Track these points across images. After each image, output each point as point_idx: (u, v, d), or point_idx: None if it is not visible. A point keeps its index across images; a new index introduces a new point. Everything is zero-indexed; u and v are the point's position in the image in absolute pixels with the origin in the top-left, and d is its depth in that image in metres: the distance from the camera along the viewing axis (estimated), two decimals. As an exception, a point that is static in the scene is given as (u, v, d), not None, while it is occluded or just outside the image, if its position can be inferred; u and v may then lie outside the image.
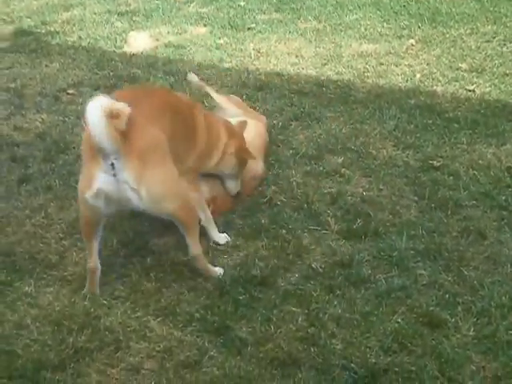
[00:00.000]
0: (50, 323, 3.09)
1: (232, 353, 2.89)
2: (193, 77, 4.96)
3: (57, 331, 3.04)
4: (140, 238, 3.75)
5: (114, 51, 7.24)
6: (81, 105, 5.67)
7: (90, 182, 3.02)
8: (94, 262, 3.30)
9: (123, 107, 2.91)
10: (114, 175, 2.97)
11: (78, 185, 3.19)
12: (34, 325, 3.08)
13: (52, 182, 4.37)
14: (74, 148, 4.87)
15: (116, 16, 8.64)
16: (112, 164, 2.95)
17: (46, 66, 6.79)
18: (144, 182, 3.01)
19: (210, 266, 3.41)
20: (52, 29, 8.17)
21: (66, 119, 5.40)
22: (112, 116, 2.85)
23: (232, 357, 2.86)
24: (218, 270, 3.41)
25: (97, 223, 3.23)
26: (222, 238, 3.70)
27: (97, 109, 2.83)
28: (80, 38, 7.77)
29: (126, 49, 7.31)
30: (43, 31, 8.09)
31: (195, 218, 3.42)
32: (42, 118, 5.44)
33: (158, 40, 7.60)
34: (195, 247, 3.35)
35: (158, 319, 3.11)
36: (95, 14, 8.76)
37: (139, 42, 7.44)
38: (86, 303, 3.22)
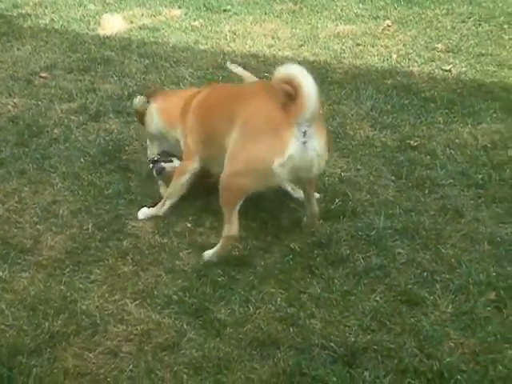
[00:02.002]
0: (25, 308, 3.04)
1: (211, 334, 2.86)
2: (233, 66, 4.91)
3: (32, 316, 2.98)
4: (116, 221, 3.69)
5: (88, 34, 7.14)
6: (54, 88, 5.60)
7: (280, 150, 3.07)
8: (236, 229, 3.30)
9: None
10: (304, 142, 3.06)
11: (252, 156, 3.16)
12: (8, 310, 3.02)
13: (25, 166, 4.29)
14: (47, 131, 4.80)
15: (89, -2, 8.52)
16: (304, 131, 3.04)
17: (18, 49, 6.68)
18: (325, 149, 3.20)
19: None
20: (23, 11, 8.05)
21: (39, 103, 5.31)
22: None
23: (211, 338, 2.84)
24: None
25: (247, 194, 3.28)
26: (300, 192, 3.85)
27: (310, 74, 3.00)
28: (52, 20, 7.65)
29: (100, 31, 7.21)
30: (15, 14, 7.97)
31: None
32: (15, 102, 5.34)
33: (132, 22, 7.50)
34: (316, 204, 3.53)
35: (136, 302, 3.07)
36: (68, -4, 8.61)
37: (113, 24, 7.34)
38: (61, 287, 3.17)
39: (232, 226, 3.28)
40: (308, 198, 3.51)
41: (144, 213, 3.71)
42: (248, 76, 4.69)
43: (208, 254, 3.35)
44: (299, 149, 3.07)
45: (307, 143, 3.07)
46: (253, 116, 3.21)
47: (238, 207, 3.26)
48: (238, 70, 4.79)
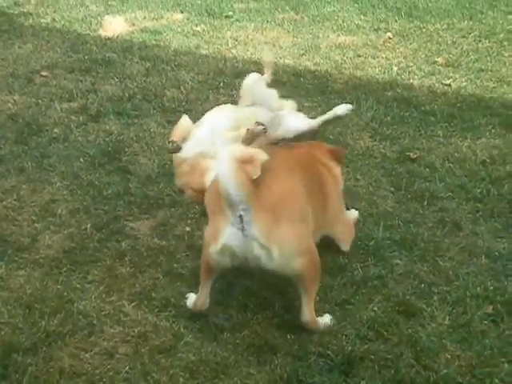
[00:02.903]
0: (21, 306, 3.03)
1: (208, 338, 2.86)
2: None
3: (28, 314, 2.97)
4: (115, 222, 3.69)
5: (89, 34, 7.16)
6: (55, 87, 5.60)
7: (215, 236, 2.74)
8: (203, 302, 2.98)
9: (258, 153, 2.68)
10: (242, 229, 2.66)
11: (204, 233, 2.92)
12: (4, 308, 3.02)
13: (24, 163, 4.28)
14: (47, 130, 4.81)
15: (91, -1, 8.54)
16: (240, 216, 2.65)
17: (19, 47, 6.69)
18: (276, 239, 2.69)
19: (320, 322, 2.94)
20: (25, 10, 8.08)
21: (39, 101, 5.31)
22: (245, 161, 2.62)
23: (208, 342, 2.83)
24: (327, 319, 2.97)
25: (218, 271, 2.94)
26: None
27: (228, 152, 2.64)
28: (54, 20, 7.66)
29: (101, 32, 7.22)
30: (16, 12, 7.99)
31: (319, 277, 2.93)
32: (15, 100, 5.34)
33: (133, 25, 7.52)
34: (310, 312, 2.89)
35: (133, 304, 3.07)
36: (70, -4, 8.64)
37: (114, 26, 7.36)
38: (58, 287, 3.16)
39: (199, 298, 3.00)
40: (300, 298, 2.91)
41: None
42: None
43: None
44: (236, 237, 2.68)
45: (246, 231, 2.67)
46: (207, 192, 3.06)
47: (209, 282, 2.95)
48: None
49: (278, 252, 2.69)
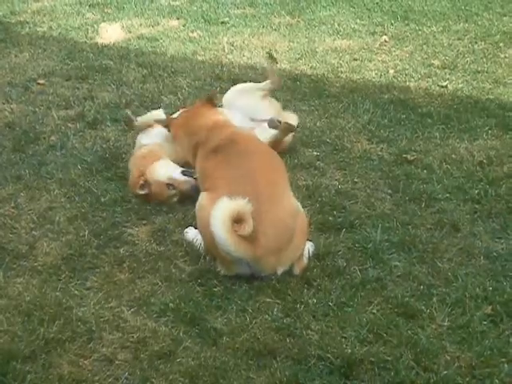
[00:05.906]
0: (19, 314, 3.03)
1: (207, 343, 2.86)
2: None
3: (27, 322, 2.97)
4: (113, 228, 3.68)
5: (86, 42, 7.16)
6: (51, 95, 5.60)
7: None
8: None
9: (245, 206, 2.99)
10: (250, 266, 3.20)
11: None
12: (3, 315, 3.01)
13: (22, 171, 4.28)
14: (44, 138, 4.81)
15: (87, 7, 8.57)
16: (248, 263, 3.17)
17: (16, 55, 6.69)
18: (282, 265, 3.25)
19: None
20: (22, 19, 8.08)
21: (36, 109, 5.31)
22: (236, 220, 2.99)
23: (207, 347, 2.83)
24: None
25: None
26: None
27: (219, 215, 2.98)
28: (51, 28, 7.67)
29: (98, 40, 7.22)
30: (13, 21, 7.99)
31: None
32: (12, 108, 5.34)
33: (130, 32, 7.52)
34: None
35: (132, 310, 3.07)
36: (66, 5, 8.66)
37: (111, 33, 7.36)
38: (57, 294, 3.16)
39: None
40: None
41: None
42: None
43: None
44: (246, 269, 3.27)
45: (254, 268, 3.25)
46: None
47: None
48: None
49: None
